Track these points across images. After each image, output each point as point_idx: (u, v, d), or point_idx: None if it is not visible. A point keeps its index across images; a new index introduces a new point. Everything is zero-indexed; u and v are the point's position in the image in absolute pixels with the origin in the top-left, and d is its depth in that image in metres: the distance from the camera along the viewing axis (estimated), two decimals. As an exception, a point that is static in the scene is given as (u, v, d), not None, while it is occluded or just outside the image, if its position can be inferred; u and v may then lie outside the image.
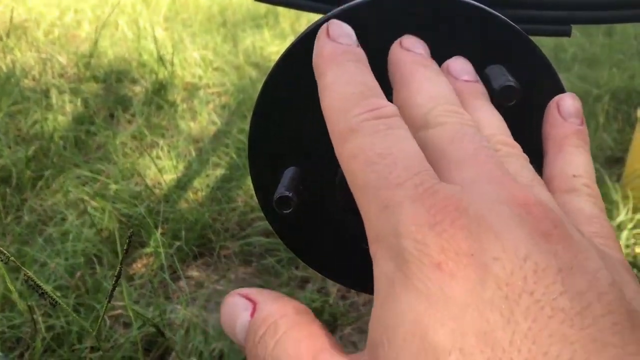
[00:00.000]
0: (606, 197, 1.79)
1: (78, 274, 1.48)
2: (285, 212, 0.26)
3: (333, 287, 1.52)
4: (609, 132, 2.21)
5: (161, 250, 1.55)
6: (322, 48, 0.23)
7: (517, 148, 0.23)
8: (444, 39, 0.27)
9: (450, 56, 0.27)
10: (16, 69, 2.52)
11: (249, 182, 1.90)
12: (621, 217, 1.70)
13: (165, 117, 2.30)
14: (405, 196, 0.18)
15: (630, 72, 2.73)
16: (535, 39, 0.28)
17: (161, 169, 1.92)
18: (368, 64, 0.23)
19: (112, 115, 2.31)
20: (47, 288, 0.70)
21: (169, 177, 1.91)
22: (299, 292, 1.52)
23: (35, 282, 0.67)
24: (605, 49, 3.03)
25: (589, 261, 0.18)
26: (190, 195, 1.84)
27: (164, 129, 2.22)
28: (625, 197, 1.75)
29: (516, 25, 0.27)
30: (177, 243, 1.63)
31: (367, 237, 0.19)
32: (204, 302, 1.48)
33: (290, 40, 3.05)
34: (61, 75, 2.58)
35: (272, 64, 0.28)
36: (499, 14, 0.26)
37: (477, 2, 0.26)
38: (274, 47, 2.99)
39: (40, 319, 1.32)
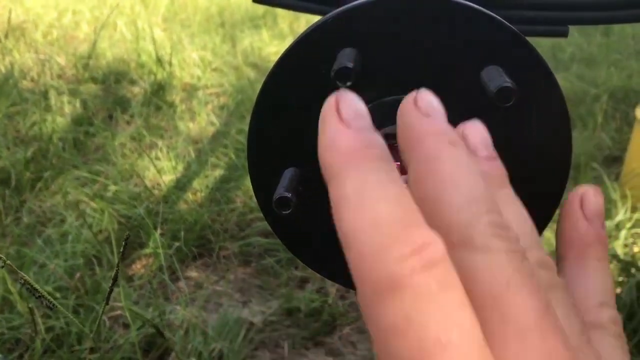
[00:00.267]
0: (605, 197, 1.79)
1: (77, 275, 1.48)
2: (284, 212, 0.26)
3: (332, 287, 1.52)
4: (607, 132, 2.21)
5: (160, 251, 1.55)
6: (334, 138, 0.18)
7: (552, 267, 0.21)
8: (442, 40, 0.27)
9: (447, 57, 0.27)
10: (14, 70, 2.52)
11: (248, 182, 1.90)
12: (620, 216, 1.70)
13: (164, 118, 2.30)
14: None
15: (628, 71, 2.73)
16: (532, 39, 0.29)
17: (160, 169, 1.92)
18: (393, 161, 0.18)
19: (110, 117, 2.31)
20: (46, 290, 0.70)
21: (168, 178, 1.91)
22: (298, 292, 1.52)
23: (32, 286, 0.66)
24: (603, 49, 3.03)
25: None
26: (189, 196, 1.84)
27: (162, 130, 2.22)
28: (623, 197, 1.75)
29: (513, 27, 0.27)
30: (176, 244, 1.63)
31: None
32: (204, 302, 1.48)
33: (289, 40, 3.05)
34: (60, 77, 2.58)
35: (271, 64, 0.29)
36: (496, 15, 0.27)
37: (475, 3, 0.27)
38: (273, 48, 2.99)
39: (39, 320, 1.32)
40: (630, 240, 1.64)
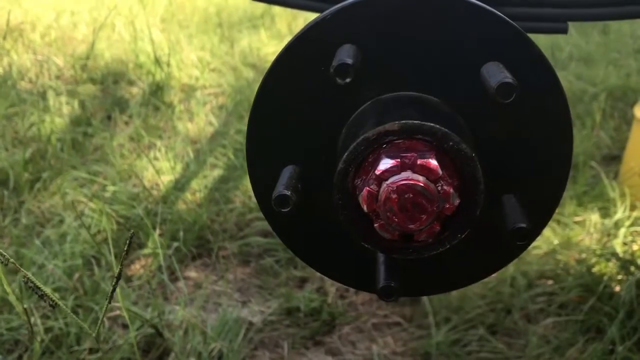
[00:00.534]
0: (604, 195, 1.80)
1: (76, 275, 1.48)
2: (284, 210, 0.26)
3: (331, 287, 1.52)
4: (606, 130, 2.22)
5: (159, 251, 1.55)
6: None
7: None
8: (443, 37, 0.27)
9: (447, 54, 0.27)
10: (13, 71, 2.52)
11: (246, 182, 1.90)
12: (618, 214, 1.70)
13: (162, 118, 2.30)
14: None
15: (626, 70, 2.74)
16: (531, 38, 0.28)
17: (159, 170, 1.92)
18: None
19: (109, 117, 2.31)
20: (46, 290, 0.70)
21: (167, 178, 1.91)
22: (297, 292, 1.52)
23: (34, 284, 0.67)
24: (601, 48, 3.04)
25: None
26: (188, 196, 1.84)
27: (161, 130, 2.22)
28: (622, 195, 1.75)
29: (514, 23, 0.27)
30: (176, 244, 1.63)
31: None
32: (203, 302, 1.48)
33: (287, 40, 3.05)
34: (58, 77, 2.58)
35: (269, 64, 0.29)
36: (497, 12, 0.27)
37: (474, 1, 0.27)
38: (271, 48, 2.99)
39: (39, 321, 1.32)
40: (630, 238, 1.64)
